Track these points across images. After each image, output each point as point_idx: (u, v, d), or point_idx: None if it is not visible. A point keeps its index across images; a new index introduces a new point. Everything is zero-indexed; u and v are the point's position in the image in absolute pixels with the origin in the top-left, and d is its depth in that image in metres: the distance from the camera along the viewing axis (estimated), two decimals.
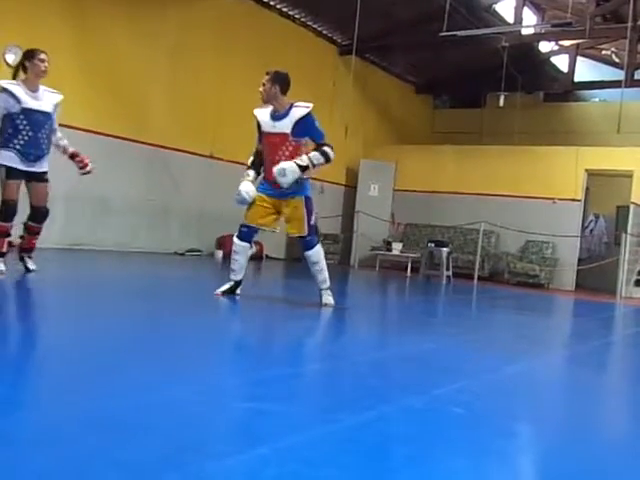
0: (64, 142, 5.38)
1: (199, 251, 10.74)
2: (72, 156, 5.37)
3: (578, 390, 3.12)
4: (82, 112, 9.02)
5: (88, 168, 5.36)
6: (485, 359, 3.56)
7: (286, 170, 4.65)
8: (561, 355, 4.30)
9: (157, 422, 1.85)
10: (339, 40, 13.50)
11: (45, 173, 5.17)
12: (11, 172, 4.93)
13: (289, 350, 3.42)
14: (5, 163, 4.91)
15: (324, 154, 4.80)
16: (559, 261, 12.18)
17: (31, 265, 5.29)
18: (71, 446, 1.59)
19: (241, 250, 5.00)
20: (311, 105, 4.83)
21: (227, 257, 10.67)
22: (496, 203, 12.71)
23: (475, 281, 11.46)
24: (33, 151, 4.99)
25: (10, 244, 5.13)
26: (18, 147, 4.92)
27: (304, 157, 4.73)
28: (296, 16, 12.45)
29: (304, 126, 4.78)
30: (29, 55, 5.07)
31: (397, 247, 11.85)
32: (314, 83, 13.03)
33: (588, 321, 7.39)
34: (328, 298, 4.99)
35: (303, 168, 4.71)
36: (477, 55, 13.48)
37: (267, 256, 11.93)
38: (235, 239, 5.04)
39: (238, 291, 5.12)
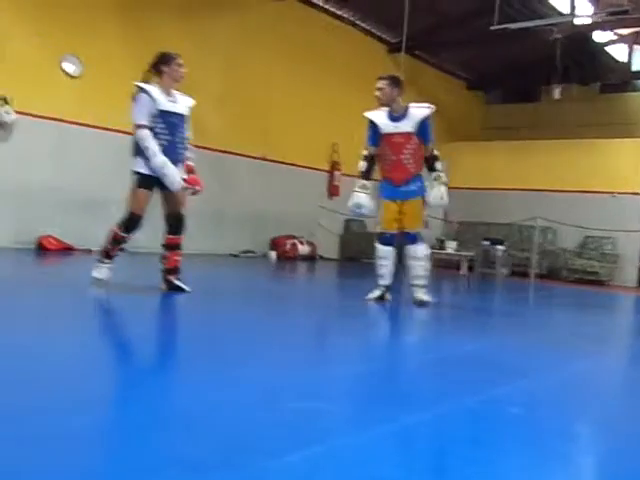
0: (189, 153, 4.87)
1: (253, 252, 10.86)
2: (187, 170, 4.83)
3: None
4: None
5: (198, 188, 4.81)
6: (544, 358, 3.49)
7: (444, 193, 5.09)
8: (623, 354, 4.18)
9: (218, 421, 1.88)
10: (388, 38, 13.43)
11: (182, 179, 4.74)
12: (144, 180, 4.58)
13: (347, 349, 3.43)
14: (140, 170, 4.58)
15: (442, 164, 5.22)
16: (620, 257, 11.83)
17: (183, 285, 4.79)
18: (137, 443, 1.64)
19: (386, 255, 5.24)
20: (433, 107, 5.13)
21: (281, 258, 10.81)
22: (553, 198, 12.43)
23: (532, 279, 11.23)
24: (171, 156, 4.58)
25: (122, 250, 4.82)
26: None
27: (441, 174, 5.15)
28: (344, 16, 12.45)
29: (424, 127, 5.08)
30: (166, 59, 4.75)
31: (451, 245, 11.71)
32: (364, 82, 12.96)
33: None
34: (424, 295, 5.21)
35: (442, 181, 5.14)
36: (529, 48, 13.21)
37: (321, 256, 11.97)
38: (378, 245, 5.28)
39: (388, 296, 5.29)
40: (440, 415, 2.12)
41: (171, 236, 4.83)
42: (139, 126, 4.48)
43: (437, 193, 5.12)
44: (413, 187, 5.14)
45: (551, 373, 3.05)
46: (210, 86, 10.26)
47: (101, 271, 4.69)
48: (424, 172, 5.25)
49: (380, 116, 5.17)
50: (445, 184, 5.17)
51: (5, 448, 1.53)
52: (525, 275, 11.51)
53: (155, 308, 4.27)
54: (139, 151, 4.55)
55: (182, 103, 4.74)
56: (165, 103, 4.57)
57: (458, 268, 11.56)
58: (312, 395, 2.25)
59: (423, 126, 5.10)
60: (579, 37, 12.88)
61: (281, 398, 2.17)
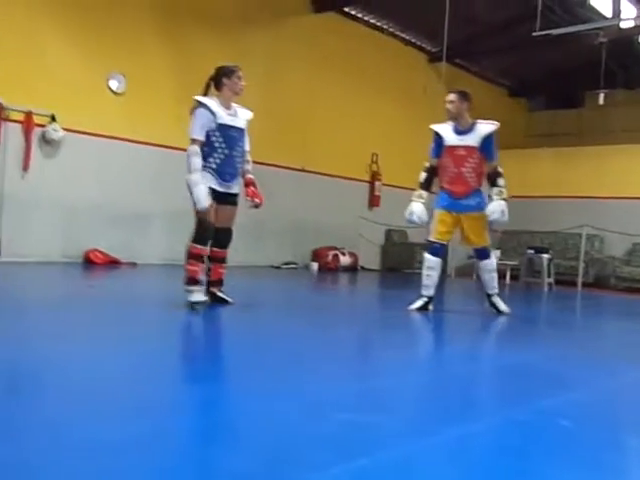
0: (247, 167, 4.86)
1: (295, 264, 10.89)
2: (247, 183, 4.82)
3: None
4: (181, 133, 9.38)
5: (257, 201, 4.77)
6: (593, 369, 3.40)
7: (505, 210, 5.19)
8: None
9: (263, 432, 1.88)
10: (428, 47, 13.38)
11: (237, 195, 4.74)
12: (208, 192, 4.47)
13: (391, 360, 3.39)
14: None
15: (504, 180, 5.30)
16: None
17: (226, 297, 4.84)
18: (182, 453, 1.64)
19: (434, 266, 5.32)
20: (497, 124, 5.26)
21: (322, 269, 10.81)
22: (599, 205, 12.16)
23: (579, 288, 10.99)
24: (229, 170, 4.58)
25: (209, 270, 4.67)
26: (214, 166, 4.52)
27: (503, 190, 5.26)
28: (384, 27, 12.45)
29: (488, 143, 5.21)
30: (228, 72, 4.68)
31: (495, 255, 11.53)
32: (405, 92, 12.99)
33: None
34: (500, 304, 5.47)
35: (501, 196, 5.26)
36: (573, 53, 13.01)
37: (362, 267, 11.94)
38: (428, 255, 5.35)
39: (430, 307, 5.33)
40: (487, 427, 2.08)
41: (217, 249, 4.79)
42: (192, 140, 4.47)
43: (498, 208, 5.21)
44: (472, 202, 5.25)
45: (602, 384, 2.96)
46: (248, 98, 10.31)
47: (196, 295, 4.47)
48: (484, 187, 5.35)
49: (446, 129, 5.30)
50: (506, 200, 5.27)
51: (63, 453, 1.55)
52: (571, 284, 11.26)
53: (199, 320, 4.31)
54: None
55: (241, 116, 4.71)
56: (224, 117, 4.55)
57: (503, 277, 11.37)
58: (357, 407, 2.23)
59: (487, 142, 5.22)
60: (625, 41, 12.63)
61: (326, 410, 2.16)
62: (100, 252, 8.39)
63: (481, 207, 5.26)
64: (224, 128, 4.53)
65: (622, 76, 13.14)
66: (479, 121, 5.30)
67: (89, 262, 8.27)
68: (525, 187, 13.16)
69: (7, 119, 7.78)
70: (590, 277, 11.65)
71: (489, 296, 5.53)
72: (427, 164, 5.44)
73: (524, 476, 1.68)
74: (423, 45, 13.33)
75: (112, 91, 8.77)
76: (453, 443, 1.90)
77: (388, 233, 12.90)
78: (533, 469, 1.73)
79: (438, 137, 5.32)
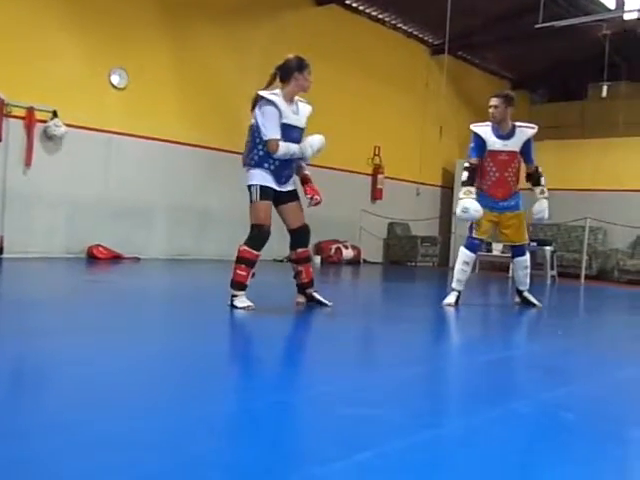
0: (303, 162, 4.66)
1: None
2: (304, 180, 4.65)
3: None
4: (183, 127, 9.39)
5: (317, 198, 4.59)
6: (596, 361, 3.40)
7: (546, 208, 5.53)
8: None
9: (263, 427, 1.88)
10: (430, 40, 13.34)
11: (295, 190, 4.56)
12: (265, 192, 4.32)
13: (394, 354, 3.39)
14: (260, 183, 4.31)
15: (545, 179, 5.55)
16: None
17: (323, 299, 4.68)
18: (182, 449, 1.65)
19: (470, 261, 5.40)
20: (536, 127, 5.41)
21: (325, 262, 10.80)
22: (602, 198, 12.13)
23: (582, 280, 10.97)
24: (286, 172, 4.43)
25: (253, 275, 4.43)
26: (272, 168, 4.33)
27: (545, 189, 5.56)
28: (386, 19, 12.41)
29: (528, 146, 5.34)
30: (301, 66, 4.39)
31: (497, 247, 11.52)
32: (407, 84, 12.96)
33: None
34: (532, 299, 5.63)
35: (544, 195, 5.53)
36: (575, 45, 12.95)
37: (365, 260, 11.94)
38: (466, 250, 5.40)
39: (459, 301, 5.39)
40: (490, 419, 2.08)
41: (301, 249, 4.62)
42: (274, 140, 4.23)
43: (543, 207, 5.50)
44: (512, 202, 5.40)
45: (606, 377, 2.96)
46: (251, 93, 10.34)
47: (241, 300, 4.29)
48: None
49: (487, 132, 5.32)
50: (547, 199, 5.53)
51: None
52: (574, 277, 11.24)
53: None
54: (257, 163, 4.31)
55: (302, 113, 4.46)
56: (290, 116, 4.31)
57: (505, 270, 11.37)
58: (360, 401, 2.24)
59: (527, 146, 5.34)
60: (627, 33, 12.57)
61: (330, 404, 2.16)
62: (103, 247, 8.41)
63: (519, 206, 5.44)
64: (288, 128, 4.30)
65: (625, 68, 13.09)
66: (518, 124, 5.36)
67: (92, 257, 8.28)
68: None
69: (9, 115, 7.79)
70: (593, 270, 11.63)
71: (520, 292, 5.69)
72: (467, 164, 5.39)
73: (525, 468, 1.68)
74: (425, 37, 13.29)
75: (114, 86, 8.76)
76: (455, 436, 1.90)
77: (391, 226, 12.89)
78: (535, 462, 1.73)
79: (479, 139, 5.31)
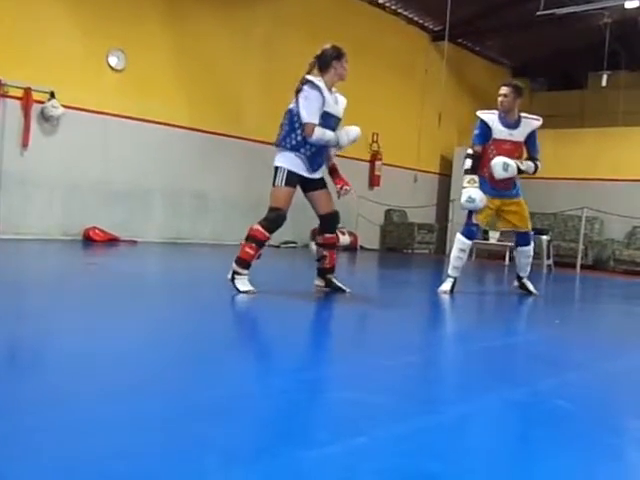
0: (331, 152, 4.64)
1: (294, 243, 10.88)
2: (331, 170, 4.65)
3: None
4: (180, 110, 9.35)
5: (347, 187, 4.56)
6: (592, 350, 3.41)
7: (509, 167, 5.12)
8: None
9: (256, 410, 1.89)
10: (431, 26, 13.27)
11: (324, 179, 4.55)
12: (291, 178, 4.32)
13: (390, 341, 3.40)
14: (289, 167, 4.31)
15: (536, 167, 5.35)
16: None
17: (343, 285, 4.70)
18: (175, 431, 1.65)
19: (466, 248, 5.39)
20: (541, 119, 5.41)
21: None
22: (599, 188, 12.12)
23: (578, 270, 11.00)
24: (319, 160, 4.44)
25: (259, 256, 4.38)
26: (309, 154, 4.33)
27: (525, 162, 5.29)
28: (386, 4, 12.33)
29: (532, 138, 5.34)
30: (339, 54, 4.40)
31: (494, 236, 11.54)
32: (406, 71, 12.90)
33: None
34: (530, 286, 5.74)
35: (519, 171, 5.23)
36: (576, 33, 12.89)
37: (362, 247, 11.94)
38: (462, 237, 5.36)
39: (455, 288, 5.36)
40: (485, 407, 2.08)
41: (329, 235, 4.63)
42: (311, 124, 4.22)
43: (505, 160, 5.16)
44: (513, 190, 5.41)
45: (602, 366, 2.97)
46: (249, 77, 10.29)
47: (243, 281, 4.29)
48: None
49: (494, 119, 5.29)
50: (518, 168, 5.22)
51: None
52: (570, 266, 11.26)
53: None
54: (293, 147, 4.30)
55: (341, 104, 4.50)
56: (332, 105, 4.34)
57: (502, 258, 11.39)
58: (355, 386, 2.24)
59: (532, 137, 5.34)
60: (628, 21, 12.51)
61: (325, 389, 2.16)
62: (100, 230, 8.38)
63: (519, 194, 5.45)
64: (328, 117, 4.31)
65: (625, 57, 13.04)
66: (524, 115, 5.35)
67: (89, 240, 8.26)
68: None
69: (6, 95, 7.73)
70: (589, 259, 11.65)
71: (520, 278, 5.78)
72: (471, 151, 5.35)
73: (520, 457, 1.68)
74: (425, 24, 13.21)
75: (111, 67, 8.70)
76: (450, 423, 1.90)
77: (388, 213, 12.89)
78: (529, 450, 1.74)
79: (486, 126, 5.28)
